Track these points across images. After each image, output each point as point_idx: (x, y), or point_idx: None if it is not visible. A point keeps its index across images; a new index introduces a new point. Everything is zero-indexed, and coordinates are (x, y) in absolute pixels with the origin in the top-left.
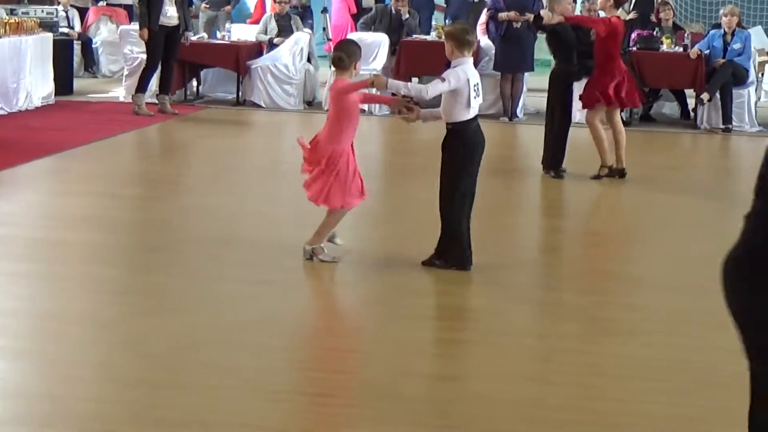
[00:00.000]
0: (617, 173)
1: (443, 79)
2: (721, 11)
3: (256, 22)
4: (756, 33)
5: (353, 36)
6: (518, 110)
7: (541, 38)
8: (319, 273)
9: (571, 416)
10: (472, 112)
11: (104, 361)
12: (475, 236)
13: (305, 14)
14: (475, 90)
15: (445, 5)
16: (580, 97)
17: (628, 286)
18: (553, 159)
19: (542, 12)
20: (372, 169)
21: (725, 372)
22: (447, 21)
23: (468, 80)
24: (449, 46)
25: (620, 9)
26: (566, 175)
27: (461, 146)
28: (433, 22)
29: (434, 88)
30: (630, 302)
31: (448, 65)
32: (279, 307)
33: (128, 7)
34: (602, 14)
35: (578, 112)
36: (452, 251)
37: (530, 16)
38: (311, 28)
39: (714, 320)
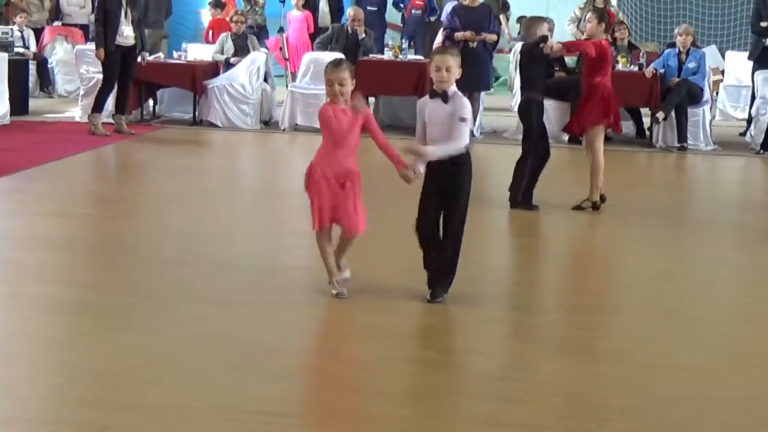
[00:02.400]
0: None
1: (464, 119)
2: (676, 30)
3: (206, 38)
4: (710, 52)
5: (310, 55)
6: (475, 129)
7: (498, 57)
8: (275, 293)
9: None
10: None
11: (58, 382)
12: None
13: (260, 34)
14: None
15: (401, 24)
16: (582, 119)
17: (586, 305)
18: (525, 194)
19: (549, 44)
20: None
21: (682, 389)
22: (404, 40)
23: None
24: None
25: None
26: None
27: (470, 171)
28: (390, 42)
29: (464, 134)
30: (586, 321)
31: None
32: (235, 327)
33: (84, 27)
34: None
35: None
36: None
37: (486, 36)
38: (267, 47)
39: (668, 339)
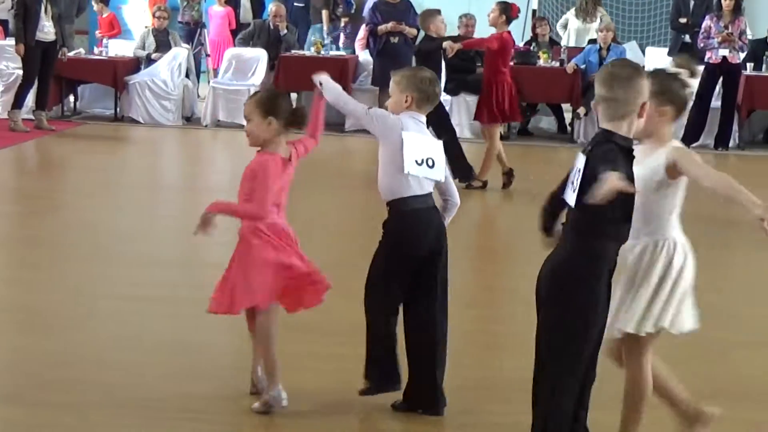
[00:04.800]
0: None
1: (369, 107)
2: (597, 26)
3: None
4: (631, 48)
5: (231, 51)
6: None
7: None
8: (195, 290)
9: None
10: (413, 188)
11: None
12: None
13: (196, 30)
14: (424, 161)
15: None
16: (479, 113)
17: (501, 299)
18: (463, 170)
19: (445, 44)
20: None
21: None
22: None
23: (401, 137)
24: (404, 97)
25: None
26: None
27: (393, 232)
28: (311, 38)
29: (355, 105)
30: (500, 314)
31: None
32: (156, 324)
33: (3, 22)
34: (492, 30)
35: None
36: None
37: (406, 28)
38: (201, 43)
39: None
